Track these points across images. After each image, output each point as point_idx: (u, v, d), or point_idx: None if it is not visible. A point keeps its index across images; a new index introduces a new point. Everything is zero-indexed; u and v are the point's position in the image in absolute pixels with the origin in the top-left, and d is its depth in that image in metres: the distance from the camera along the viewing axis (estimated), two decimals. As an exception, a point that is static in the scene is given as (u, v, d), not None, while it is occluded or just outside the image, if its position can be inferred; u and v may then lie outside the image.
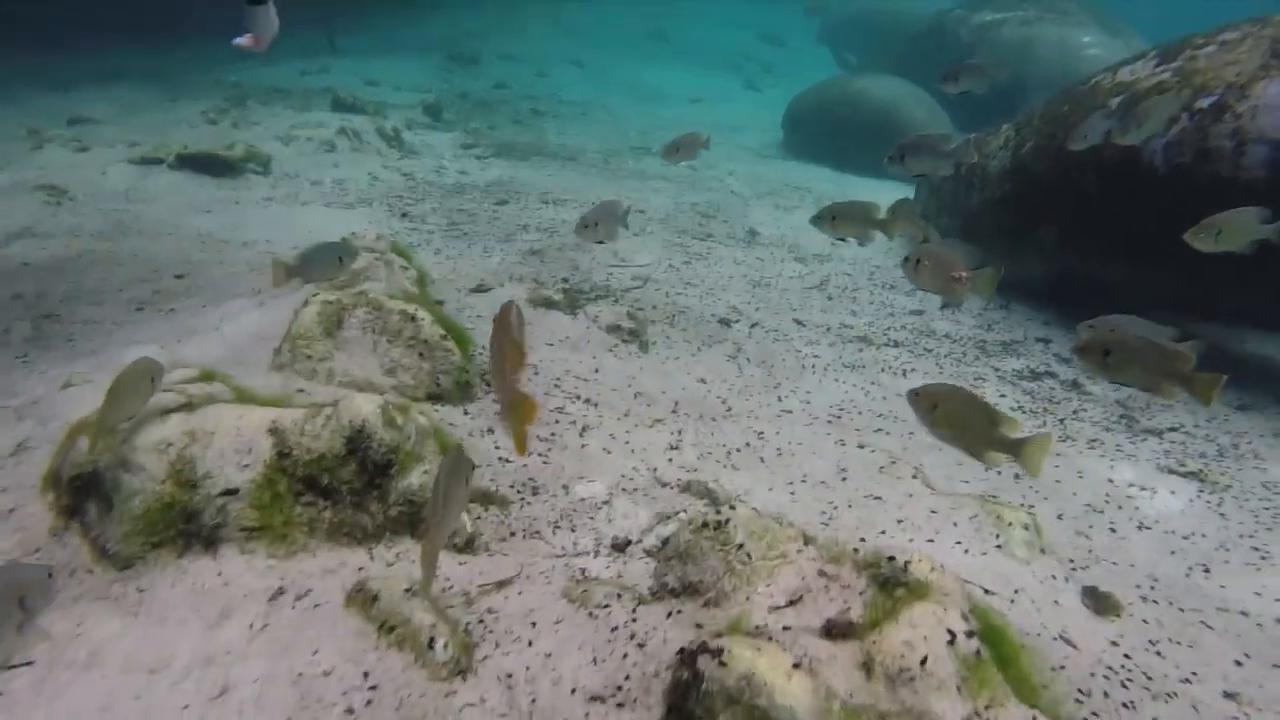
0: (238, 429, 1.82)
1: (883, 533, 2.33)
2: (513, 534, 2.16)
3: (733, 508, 1.71)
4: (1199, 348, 2.23)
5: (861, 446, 2.91)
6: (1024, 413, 3.52)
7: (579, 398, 2.94)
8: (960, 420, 1.97)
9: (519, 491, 2.34)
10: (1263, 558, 2.61)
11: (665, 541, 1.99)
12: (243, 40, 3.34)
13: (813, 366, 3.68)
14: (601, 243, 3.10)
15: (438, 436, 2.13)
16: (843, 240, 3.39)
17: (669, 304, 4.18)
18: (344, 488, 1.87)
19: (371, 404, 1.94)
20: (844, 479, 2.66)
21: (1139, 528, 2.70)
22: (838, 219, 2.94)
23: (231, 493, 1.75)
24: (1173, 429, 3.58)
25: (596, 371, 3.18)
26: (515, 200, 6.04)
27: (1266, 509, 2.93)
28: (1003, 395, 3.66)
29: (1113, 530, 2.65)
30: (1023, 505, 2.60)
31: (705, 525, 1.68)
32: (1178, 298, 4.78)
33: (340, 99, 8.65)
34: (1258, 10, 4.36)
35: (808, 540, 1.70)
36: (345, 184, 5.97)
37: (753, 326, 4.06)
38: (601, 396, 2.98)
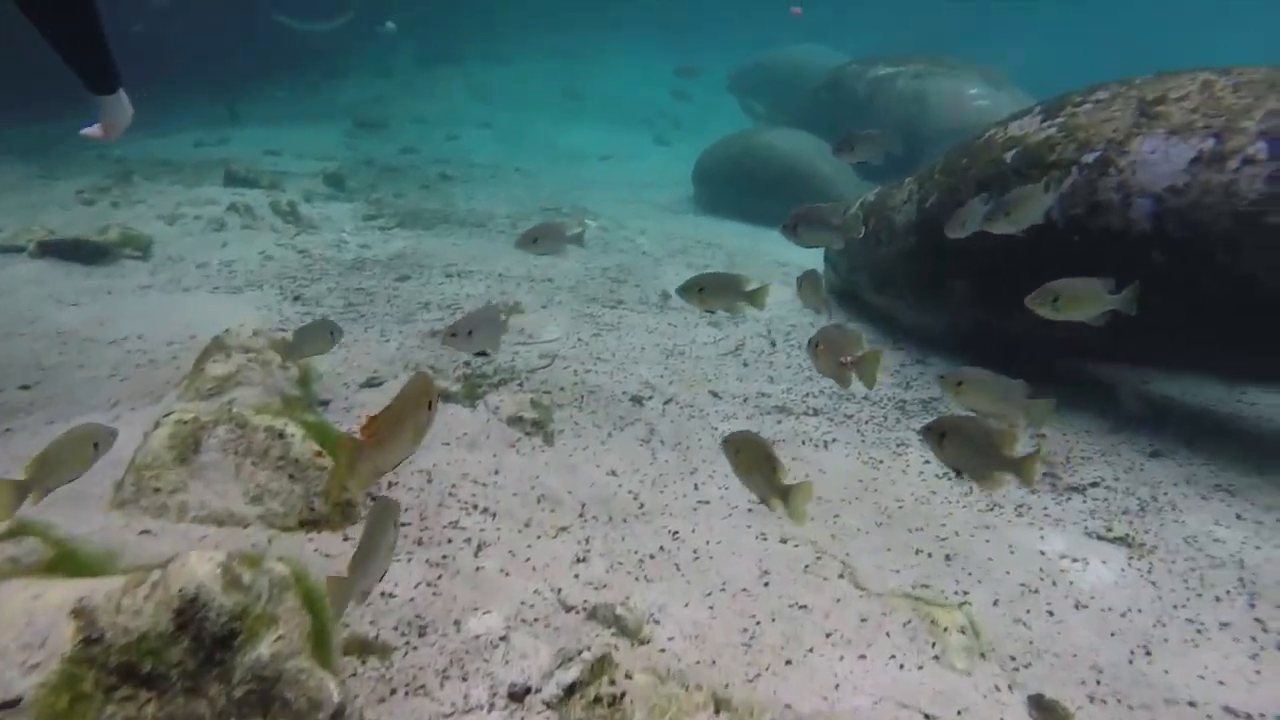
0: (29, 615, 1.51)
1: (810, 651, 2.13)
2: (393, 692, 1.88)
3: (629, 677, 1.48)
4: (1049, 407, 2.47)
5: (784, 541, 2.72)
6: (949, 479, 3.40)
7: (476, 508, 2.68)
8: (749, 466, 2.19)
9: (403, 634, 2.06)
10: (1198, 630, 2.51)
11: (569, 690, 1.74)
12: (91, 130, 3.03)
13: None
14: (484, 354, 2.88)
15: (300, 587, 1.85)
16: (711, 313, 3.31)
17: (578, 384, 3.96)
18: (174, 671, 1.57)
19: (208, 565, 1.64)
20: (766, 584, 2.46)
21: (1076, 607, 2.56)
22: (705, 291, 2.82)
23: (10, 705, 1.43)
24: (1094, 484, 3.51)
25: (496, 473, 2.93)
26: (418, 275, 5.77)
27: (1192, 570, 2.84)
28: (927, 462, 3.54)
29: (1050, 614, 2.51)
30: (957, 596, 2.45)
31: (598, 700, 1.44)
32: (1083, 345, 4.81)
33: (234, 172, 8.27)
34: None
35: (719, 707, 1.48)
36: (234, 266, 5.61)
37: (666, 403, 3.87)
38: (501, 504, 2.72)
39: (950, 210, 4.59)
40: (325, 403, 3.29)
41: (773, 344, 4.90)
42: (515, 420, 3.26)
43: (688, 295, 2.80)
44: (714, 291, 2.79)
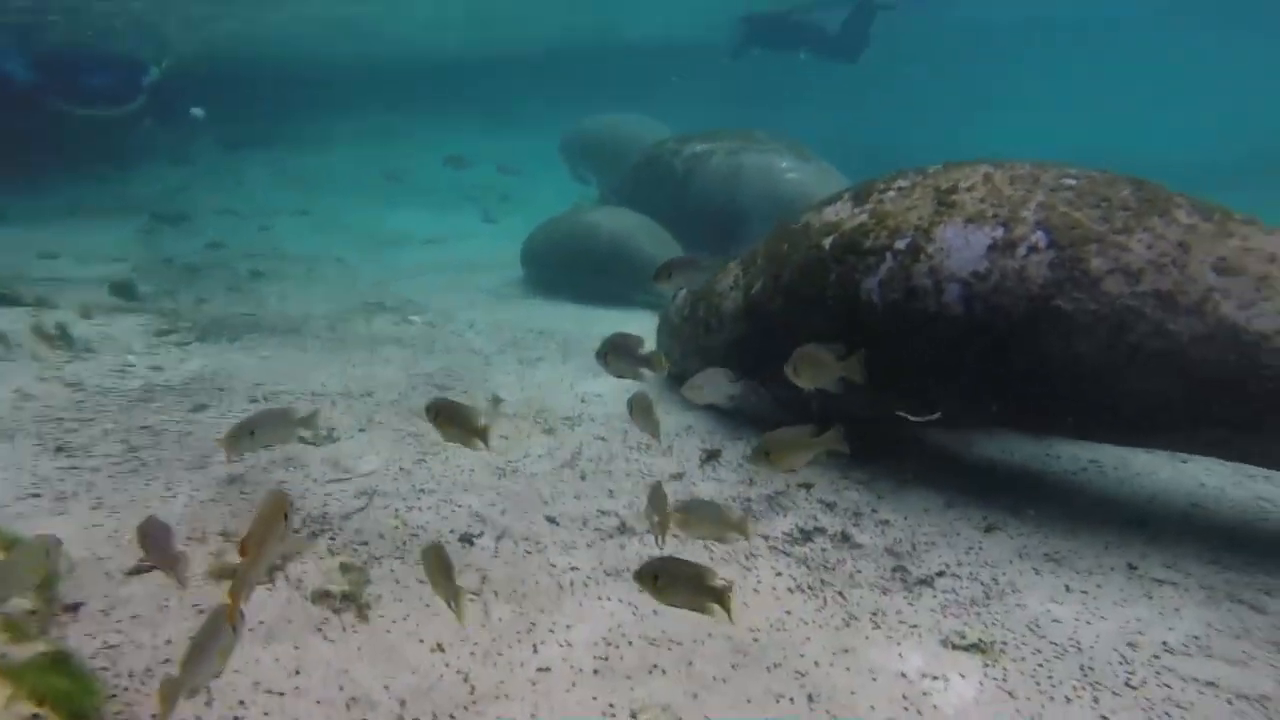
0: None
1: None
2: None
3: None
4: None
5: (634, 716, 2.44)
6: (804, 592, 3.26)
7: (268, 730, 2.23)
8: (676, 585, 2.26)
9: None
10: (1062, 745, 2.44)
11: None
12: None
13: (571, 584, 3.21)
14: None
15: None
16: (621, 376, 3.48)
17: (398, 528, 3.56)
18: None
19: None
20: (617, 779, 2.17)
21: (941, 738, 2.44)
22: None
23: None
24: (940, 573, 3.49)
25: (297, 673, 2.49)
26: (217, 402, 5.15)
27: (1040, 666, 2.82)
28: (779, 574, 3.39)
29: (917, 754, 2.37)
30: (821, 756, 2.25)
31: None
32: (917, 422, 4.91)
33: (-19, 291, 7.18)
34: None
35: None
36: (-21, 413, 4.77)
37: (499, 539, 3.54)
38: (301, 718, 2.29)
39: (775, 295, 4.61)
40: (76, 607, 2.72)
41: (610, 450, 4.68)
42: (322, 595, 2.83)
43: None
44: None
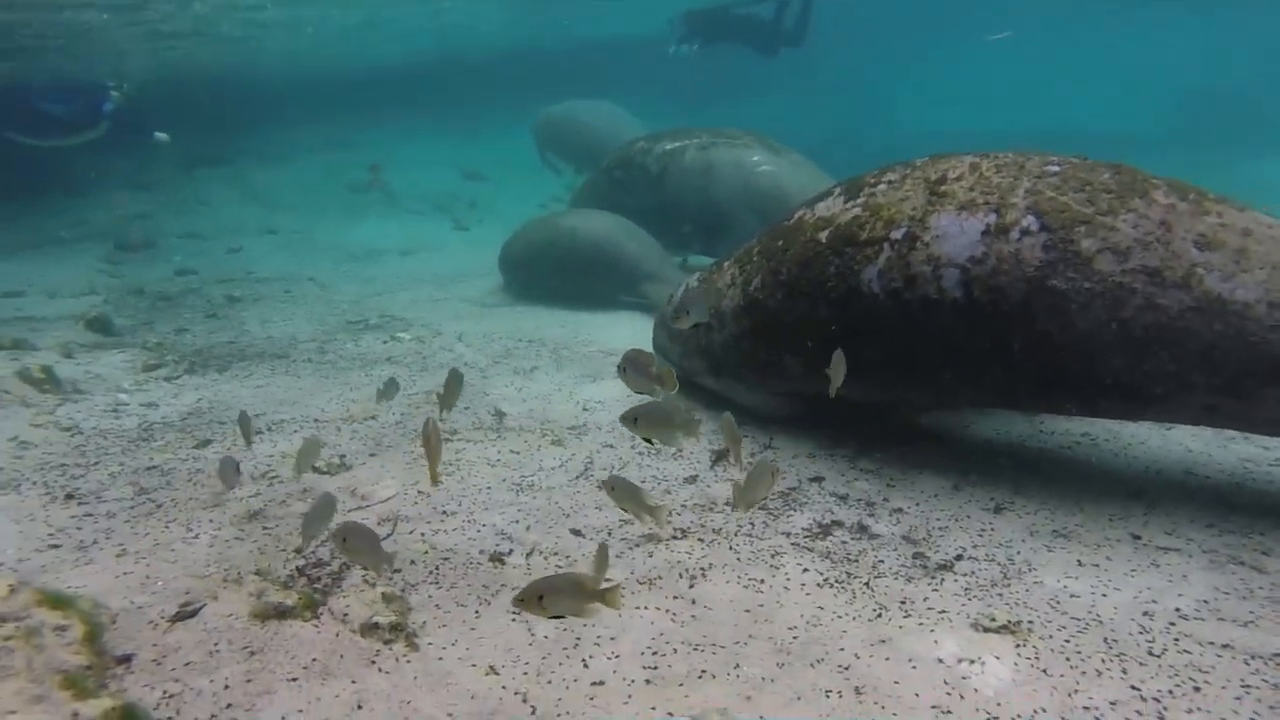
0: None
1: None
2: None
3: None
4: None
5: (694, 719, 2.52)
6: (832, 586, 3.36)
7: (342, 768, 2.27)
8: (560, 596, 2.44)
9: None
10: (1097, 718, 2.56)
11: None
12: None
13: (608, 595, 3.27)
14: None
15: None
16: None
17: (428, 551, 3.60)
18: None
19: None
20: (690, 787, 2.25)
21: (987, 720, 2.55)
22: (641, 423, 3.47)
23: None
24: (959, 556, 3.61)
25: (359, 709, 2.52)
26: (220, 436, 5.13)
27: (1067, 642, 2.94)
28: (805, 570, 3.48)
29: (967, 737, 2.47)
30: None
31: None
32: (920, 407, 5.04)
33: (-42, 338, 7.07)
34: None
35: None
36: (-21, 465, 4.71)
37: (529, 556, 3.59)
38: (371, 753, 2.34)
39: (775, 290, 4.70)
40: (127, 659, 2.73)
41: (621, 457, 4.74)
42: (370, 628, 2.86)
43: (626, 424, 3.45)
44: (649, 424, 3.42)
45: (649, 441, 3.72)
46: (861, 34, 25.61)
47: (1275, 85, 21.00)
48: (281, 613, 2.91)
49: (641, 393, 3.79)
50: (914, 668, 2.80)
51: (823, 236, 4.48)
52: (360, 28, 17.61)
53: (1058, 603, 3.18)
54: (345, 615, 2.95)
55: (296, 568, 3.41)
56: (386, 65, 22.55)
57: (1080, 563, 3.49)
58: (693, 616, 3.14)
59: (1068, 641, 2.90)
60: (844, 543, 3.75)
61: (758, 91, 22.77)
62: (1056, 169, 3.96)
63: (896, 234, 4.16)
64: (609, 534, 3.80)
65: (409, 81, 22.00)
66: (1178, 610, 3.14)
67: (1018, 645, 2.89)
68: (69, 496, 4.25)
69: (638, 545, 3.69)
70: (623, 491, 3.39)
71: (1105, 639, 2.93)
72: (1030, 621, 3.04)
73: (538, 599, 2.38)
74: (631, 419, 3.45)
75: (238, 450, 4.78)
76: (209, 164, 18.03)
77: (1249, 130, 18.46)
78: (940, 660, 2.83)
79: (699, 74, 17.75)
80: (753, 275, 4.86)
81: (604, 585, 2.47)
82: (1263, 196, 4.82)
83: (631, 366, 3.65)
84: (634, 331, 7.80)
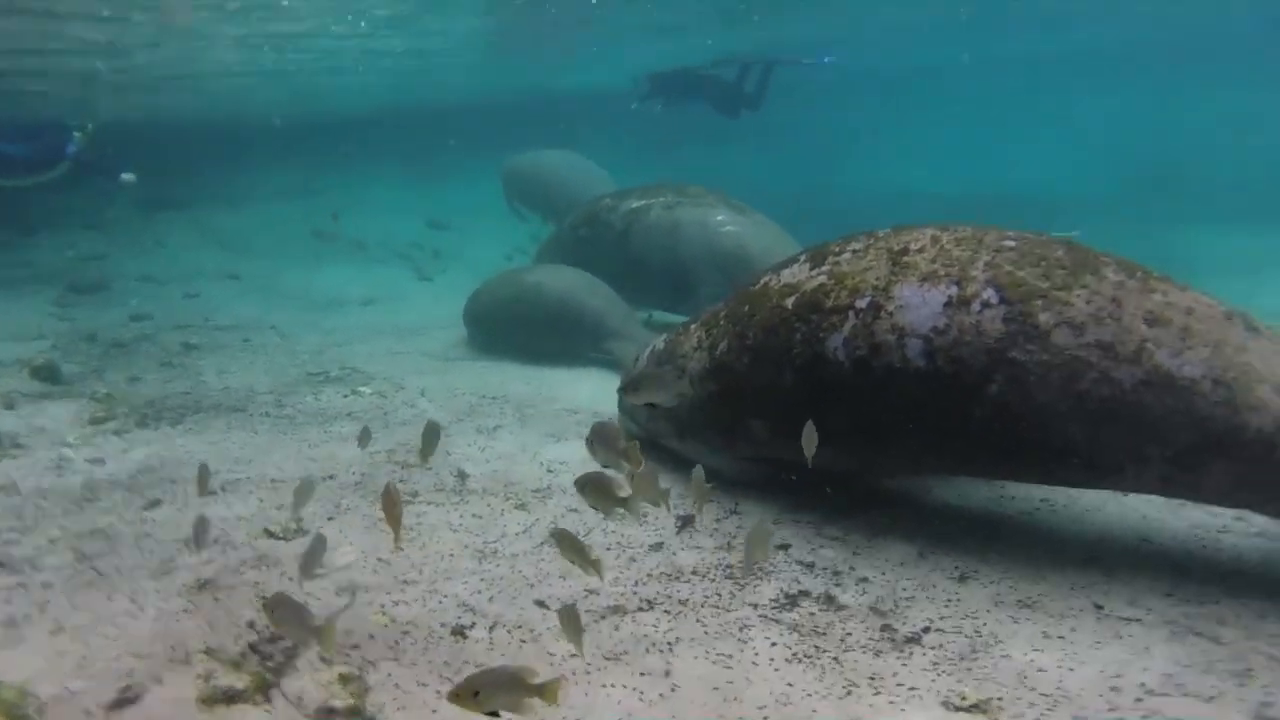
0: None
1: None
2: None
3: None
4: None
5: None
6: (800, 661, 3.32)
7: None
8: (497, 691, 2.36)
9: None
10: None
11: None
12: None
13: (573, 673, 3.19)
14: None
15: None
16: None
17: (389, 624, 3.49)
18: None
19: None
20: None
21: (957, 806, 2.52)
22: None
23: None
24: (927, 629, 3.60)
25: (312, 805, 2.41)
26: (171, 497, 4.96)
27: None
28: (773, 644, 3.44)
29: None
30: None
31: None
32: (885, 473, 5.08)
33: (-102, 386, 6.77)
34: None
35: None
36: (-93, 527, 4.47)
37: (492, 629, 3.50)
38: None
39: (741, 354, 4.74)
40: (61, 751, 2.58)
41: (585, 522, 4.68)
42: (325, 713, 2.74)
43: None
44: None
45: (595, 509, 3.67)
46: (822, 95, 26.46)
47: (1207, 156, 22.10)
48: (230, 697, 2.79)
49: (609, 467, 3.77)
50: (886, 752, 2.76)
51: (788, 303, 4.54)
52: (328, 73, 17.68)
53: (1025, 678, 3.18)
54: (300, 698, 2.83)
55: (249, 643, 3.28)
56: (354, 111, 22.59)
57: (1046, 634, 3.50)
58: (660, 695, 3.07)
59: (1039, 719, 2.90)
60: (811, 614, 3.72)
61: (719, 140, 23.30)
62: (1012, 244, 4.08)
63: (861, 303, 4.23)
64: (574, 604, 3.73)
65: (375, 128, 22.06)
66: (1143, 685, 3.15)
67: (989, 726, 2.87)
68: (1, 565, 4.05)
69: (603, 618, 3.63)
70: (567, 544, 3.38)
71: (1075, 717, 2.93)
72: (1000, 699, 3.03)
73: (473, 694, 2.32)
74: (582, 484, 3.54)
75: (188, 508, 4.62)
76: (170, 207, 17.78)
77: (1183, 198, 19.34)
78: (912, 744, 2.80)
79: (662, 125, 18.11)
80: (719, 339, 4.89)
81: (543, 680, 2.39)
82: (1194, 264, 5.01)
83: (599, 439, 3.63)
84: (597, 388, 7.78)
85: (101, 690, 2.92)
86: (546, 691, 2.42)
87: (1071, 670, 3.22)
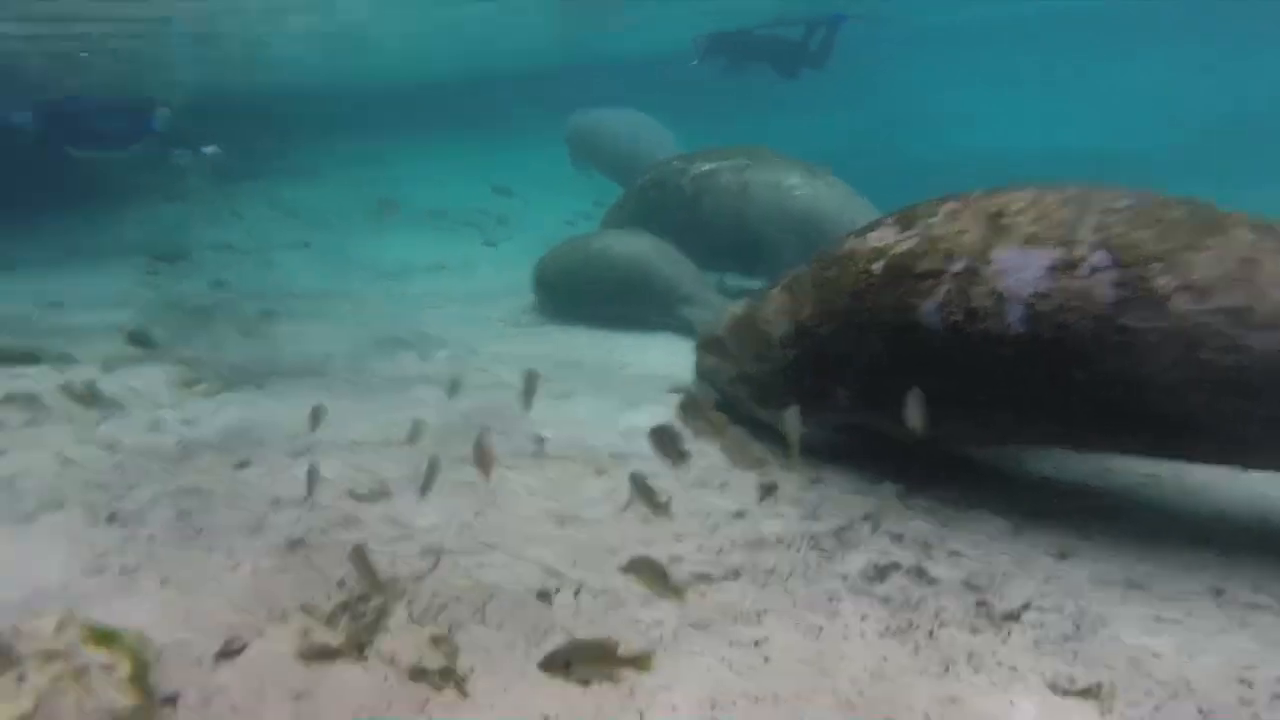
0: None
1: None
2: None
3: None
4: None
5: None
6: (894, 635, 3.22)
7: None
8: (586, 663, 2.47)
9: None
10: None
11: None
12: None
13: (660, 640, 3.15)
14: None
15: None
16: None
17: (474, 588, 3.49)
18: None
19: None
20: None
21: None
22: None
23: None
24: (1026, 606, 3.45)
25: (411, 765, 2.43)
26: (259, 458, 5.07)
27: (1156, 710, 2.77)
28: (864, 617, 3.34)
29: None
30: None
31: None
32: (974, 443, 4.89)
33: (3, 348, 7.07)
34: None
35: None
36: (18, 482, 4.65)
37: (577, 594, 3.48)
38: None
39: (827, 320, 4.59)
40: (173, 699, 2.64)
41: (663, 488, 4.62)
42: (418, 673, 2.76)
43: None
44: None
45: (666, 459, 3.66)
46: (886, 53, 25.57)
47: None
48: (328, 653, 2.82)
49: (668, 460, 3.74)
50: (991, 733, 2.65)
51: (876, 267, 4.36)
52: (396, 38, 17.77)
53: (1139, 663, 3.01)
54: (393, 658, 2.85)
55: (340, 602, 3.32)
56: (420, 79, 22.70)
57: (1159, 618, 3.32)
58: (750, 665, 3.01)
59: (1157, 709, 2.74)
60: (903, 588, 3.60)
61: (784, 107, 22.73)
62: (1126, 203, 3.82)
63: (956, 266, 4.03)
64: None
65: (438, 94, 22.15)
66: None
67: (1103, 713, 2.73)
68: (110, 519, 4.20)
69: (689, 583, 3.57)
70: (639, 487, 3.35)
71: (1200, 710, 2.75)
72: (1112, 684, 2.88)
73: (564, 665, 2.30)
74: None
75: (276, 469, 4.73)
76: (240, 177, 18.19)
77: (1260, 157, 18.18)
78: (1018, 725, 2.68)
79: (726, 91, 17.70)
80: (803, 304, 4.74)
81: (635, 653, 2.37)
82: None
83: (659, 440, 3.65)
84: (669, 354, 7.70)
85: (208, 640, 2.99)
86: (640, 661, 2.39)
87: (1191, 659, 3.03)
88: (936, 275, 4.07)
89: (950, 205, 4.33)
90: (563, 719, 2.67)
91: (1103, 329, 3.63)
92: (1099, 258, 3.70)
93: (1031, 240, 3.87)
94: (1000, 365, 3.89)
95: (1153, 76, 29.19)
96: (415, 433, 5.08)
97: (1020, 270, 3.83)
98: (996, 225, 4.02)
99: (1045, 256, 3.80)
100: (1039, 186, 4.19)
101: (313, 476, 4.18)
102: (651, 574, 3.11)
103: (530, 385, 4.53)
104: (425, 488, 3.72)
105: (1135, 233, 3.68)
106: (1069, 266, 3.74)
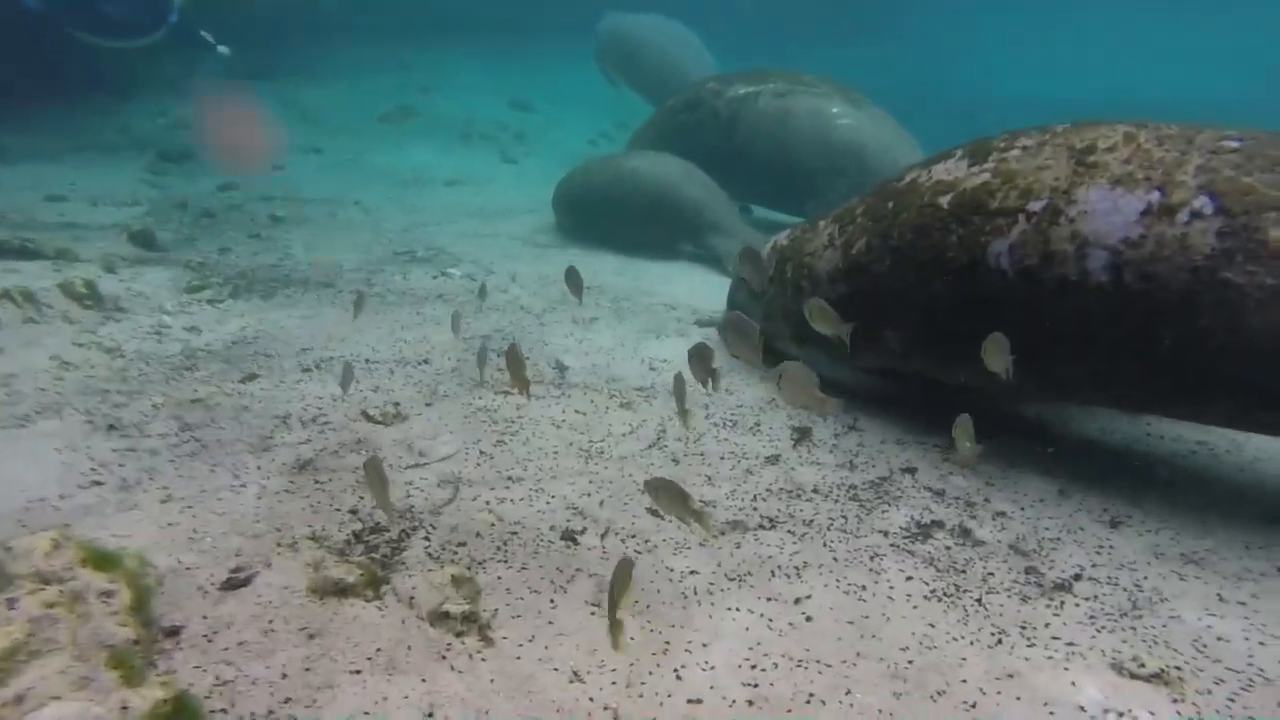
0: None
1: None
2: None
3: None
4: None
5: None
6: (940, 600, 3.01)
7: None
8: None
9: None
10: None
11: None
12: None
13: (694, 593, 2.95)
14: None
15: None
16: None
17: (494, 525, 3.28)
18: None
19: None
20: None
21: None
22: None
23: None
24: (1078, 576, 3.23)
25: (431, 717, 2.23)
26: (267, 370, 4.83)
27: (1233, 700, 2.56)
28: (909, 578, 3.13)
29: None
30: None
31: None
32: (1028, 396, 4.61)
33: (2, 241, 6.73)
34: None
35: None
36: (15, 383, 4.43)
37: (604, 536, 3.27)
38: (448, 774, 2.04)
39: (882, 256, 4.26)
40: (176, 631, 2.45)
41: (695, 434, 4.39)
42: (439, 616, 2.55)
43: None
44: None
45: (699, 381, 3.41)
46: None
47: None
48: (342, 590, 2.62)
49: (700, 381, 3.39)
50: (1052, 715, 2.45)
51: (943, 201, 4.02)
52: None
53: (1205, 646, 2.81)
54: (412, 598, 2.65)
55: (353, 532, 3.11)
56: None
57: (1221, 598, 3.10)
58: (790, 624, 2.81)
59: (1233, 700, 2.53)
60: (947, 548, 3.38)
61: (829, 38, 21.72)
62: (1236, 144, 3.44)
63: (1035, 206, 3.68)
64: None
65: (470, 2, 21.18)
66: (1356, 670, 2.74)
67: (1174, 699, 2.53)
68: (110, 428, 3.98)
69: (722, 533, 3.36)
70: (665, 494, 2.74)
71: None
72: (1179, 668, 2.67)
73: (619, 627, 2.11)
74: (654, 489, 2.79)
75: (283, 384, 4.50)
76: (252, 77, 17.51)
77: None
78: (1082, 709, 2.48)
79: (769, 21, 16.82)
80: (855, 238, 4.41)
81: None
82: None
83: (733, 331, 3.32)
84: (696, 285, 7.39)
85: (213, 567, 2.79)
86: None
87: (1263, 645, 2.82)
88: (1011, 214, 3.72)
89: (1028, 139, 3.95)
90: (595, 677, 2.48)
91: (1199, 283, 3.30)
92: (1201, 203, 3.34)
93: (1123, 181, 3.52)
94: (1075, 317, 3.59)
95: (1248, 23, 27.80)
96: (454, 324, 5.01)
97: (1108, 213, 3.49)
98: (1083, 162, 3.65)
99: (1138, 199, 3.45)
100: (1135, 122, 3.81)
101: (347, 374, 4.09)
102: (671, 497, 2.77)
103: (574, 282, 4.49)
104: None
105: (1246, 178, 3.32)
106: (1165, 212, 3.40)
